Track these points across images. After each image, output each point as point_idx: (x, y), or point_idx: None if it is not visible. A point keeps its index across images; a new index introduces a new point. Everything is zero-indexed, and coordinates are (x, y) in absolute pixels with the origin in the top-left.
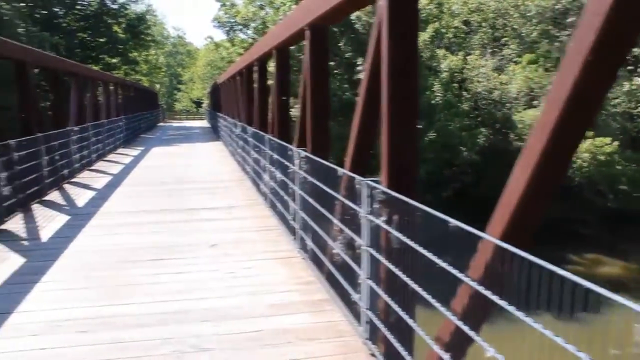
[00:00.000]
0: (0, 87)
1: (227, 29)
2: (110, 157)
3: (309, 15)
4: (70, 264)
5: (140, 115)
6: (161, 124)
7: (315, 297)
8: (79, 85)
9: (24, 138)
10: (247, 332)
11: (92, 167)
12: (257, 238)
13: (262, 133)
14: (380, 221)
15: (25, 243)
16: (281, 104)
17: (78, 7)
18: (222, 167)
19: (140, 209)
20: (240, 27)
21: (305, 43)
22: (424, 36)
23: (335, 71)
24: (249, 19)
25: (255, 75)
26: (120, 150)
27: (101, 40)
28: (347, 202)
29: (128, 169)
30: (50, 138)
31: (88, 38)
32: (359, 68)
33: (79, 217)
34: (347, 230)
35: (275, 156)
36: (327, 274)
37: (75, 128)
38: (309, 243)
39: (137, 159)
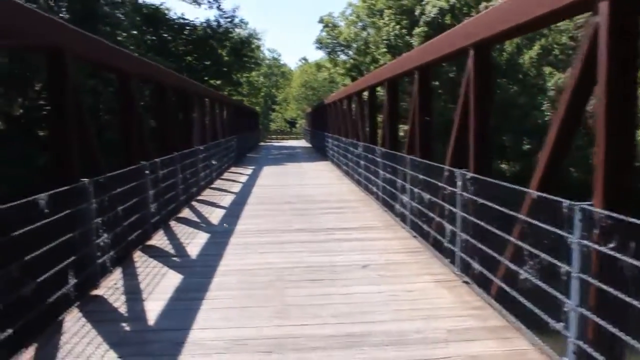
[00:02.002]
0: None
1: (328, 50)
2: (226, 175)
3: (474, 35)
4: (227, 281)
5: (246, 134)
6: (261, 143)
7: (491, 324)
8: (202, 105)
9: (166, 157)
10: (437, 357)
11: (213, 185)
12: (407, 260)
13: (399, 154)
14: (604, 248)
15: (177, 259)
16: (423, 125)
17: (186, 32)
18: (340, 186)
19: (276, 228)
20: (342, 48)
21: (469, 61)
22: (530, 53)
23: (439, 91)
24: (351, 40)
25: (374, 96)
26: (233, 169)
27: (207, 62)
28: (546, 227)
29: (247, 187)
30: (183, 157)
31: (194, 61)
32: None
33: (218, 235)
34: (545, 256)
35: (421, 177)
36: (498, 298)
37: (201, 147)
38: (476, 267)
39: (252, 178)
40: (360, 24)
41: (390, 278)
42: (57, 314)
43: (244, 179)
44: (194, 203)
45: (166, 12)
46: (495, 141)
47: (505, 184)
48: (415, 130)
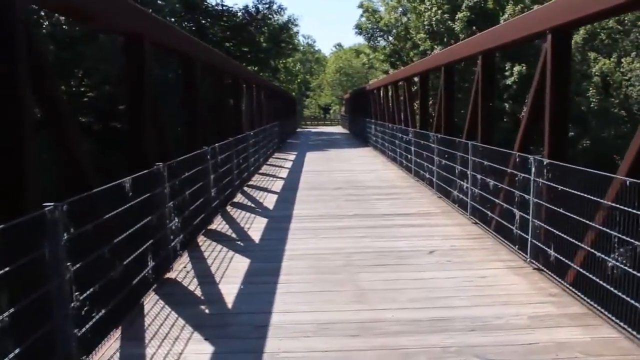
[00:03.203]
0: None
1: (368, 35)
2: (271, 161)
3: (554, 19)
4: (297, 265)
5: (286, 121)
6: (298, 129)
7: (571, 310)
8: (250, 91)
9: (223, 142)
10: (525, 343)
11: (261, 171)
12: (473, 246)
13: (462, 140)
14: None
15: (240, 244)
16: (485, 111)
17: (224, 18)
18: (388, 172)
19: (333, 214)
20: (381, 33)
21: (546, 46)
22: (576, 38)
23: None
24: (391, 26)
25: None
26: (276, 155)
27: (245, 49)
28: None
29: (294, 173)
30: (237, 142)
31: (232, 47)
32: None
33: (276, 220)
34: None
35: (486, 163)
36: (576, 285)
37: (251, 133)
38: (552, 253)
39: (297, 164)
40: (400, 9)
41: (460, 264)
42: (138, 296)
43: (289, 164)
44: (245, 188)
45: None
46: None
47: (591, 170)
48: (476, 116)
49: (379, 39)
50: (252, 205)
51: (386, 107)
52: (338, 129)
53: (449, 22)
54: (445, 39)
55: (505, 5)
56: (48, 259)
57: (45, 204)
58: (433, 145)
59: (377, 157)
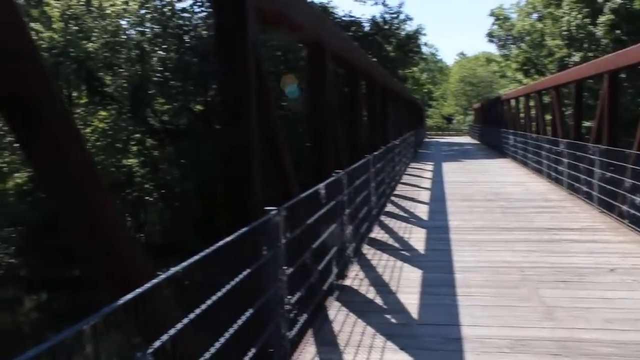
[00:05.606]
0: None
1: (501, 43)
2: (409, 171)
3: None
4: (472, 278)
5: (417, 130)
6: (425, 139)
7: None
8: (394, 99)
9: (379, 151)
10: None
11: (402, 181)
12: None
13: (634, 152)
14: None
15: (406, 253)
16: None
17: (352, 29)
18: (536, 185)
19: (491, 226)
20: (514, 41)
21: None
22: None
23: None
24: (524, 33)
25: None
26: (412, 165)
27: (373, 59)
28: None
29: (437, 183)
30: (388, 151)
31: None
32: None
33: (434, 231)
34: None
35: None
36: None
37: (397, 142)
38: None
39: (437, 174)
40: (535, 15)
41: None
42: (323, 302)
43: (428, 174)
44: (393, 198)
45: (333, 10)
46: None
47: None
48: None
49: (510, 46)
50: (405, 215)
51: (527, 117)
52: (467, 139)
53: (590, 26)
54: (585, 45)
55: None
56: (268, 262)
57: (267, 208)
58: (594, 157)
59: (519, 168)
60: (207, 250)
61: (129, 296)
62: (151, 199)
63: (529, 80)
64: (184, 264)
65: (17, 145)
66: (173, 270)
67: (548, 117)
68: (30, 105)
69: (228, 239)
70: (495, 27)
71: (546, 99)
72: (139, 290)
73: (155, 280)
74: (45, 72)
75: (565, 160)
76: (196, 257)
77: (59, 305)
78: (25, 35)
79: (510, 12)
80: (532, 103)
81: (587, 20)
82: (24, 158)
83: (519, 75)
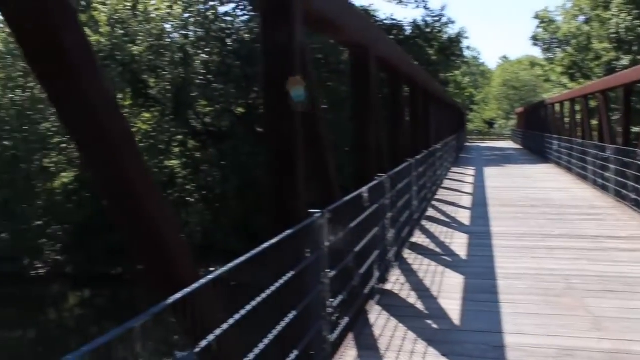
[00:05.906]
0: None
1: (546, 46)
2: (450, 175)
3: None
4: (515, 285)
5: (458, 134)
6: (467, 144)
7: None
8: (437, 103)
9: (422, 155)
10: None
11: (443, 185)
12: None
13: None
14: None
15: (447, 259)
16: None
17: (394, 32)
18: (581, 191)
19: (535, 232)
20: (559, 44)
21: None
22: None
23: None
24: (571, 35)
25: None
26: (454, 170)
27: (415, 62)
28: None
29: (479, 188)
30: (430, 155)
31: None
32: None
33: (476, 236)
34: None
35: None
36: None
37: (439, 146)
38: None
39: (478, 179)
40: (581, 17)
41: None
42: (364, 306)
43: (470, 179)
44: (434, 202)
45: (374, 13)
46: None
47: None
48: None
49: (555, 50)
50: (446, 220)
51: (572, 122)
52: (509, 144)
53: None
54: (634, 48)
55: None
56: (311, 265)
57: (311, 211)
58: None
59: (563, 174)
60: (253, 252)
61: (178, 295)
62: (192, 200)
63: (574, 85)
64: (231, 264)
65: (66, 146)
66: (220, 270)
67: (594, 122)
68: (85, 104)
69: (273, 240)
70: (540, 30)
71: (592, 104)
72: (187, 290)
73: (202, 281)
74: (100, 72)
75: (612, 166)
76: (242, 258)
77: (101, 302)
78: (82, 36)
79: (555, 15)
80: (577, 107)
81: (637, 22)
82: (82, 160)
83: (564, 79)
